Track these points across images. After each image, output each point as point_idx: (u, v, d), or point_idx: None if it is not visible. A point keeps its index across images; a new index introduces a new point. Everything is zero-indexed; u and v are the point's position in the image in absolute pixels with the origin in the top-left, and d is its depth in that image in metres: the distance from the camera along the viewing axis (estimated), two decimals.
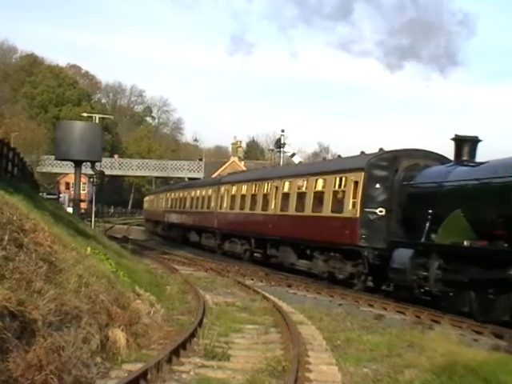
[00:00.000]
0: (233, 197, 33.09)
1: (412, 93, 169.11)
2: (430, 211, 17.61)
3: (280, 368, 9.46)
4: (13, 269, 8.56)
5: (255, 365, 9.77)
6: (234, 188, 33.19)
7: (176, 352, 9.97)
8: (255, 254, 31.40)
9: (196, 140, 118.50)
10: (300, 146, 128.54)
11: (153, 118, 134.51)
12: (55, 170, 70.27)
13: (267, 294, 18.72)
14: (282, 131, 52.43)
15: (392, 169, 20.30)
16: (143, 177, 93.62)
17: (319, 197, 23.53)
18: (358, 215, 20.27)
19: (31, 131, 64.52)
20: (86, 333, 9.12)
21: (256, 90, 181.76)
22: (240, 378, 9.06)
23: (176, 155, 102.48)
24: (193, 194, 42.19)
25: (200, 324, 12.61)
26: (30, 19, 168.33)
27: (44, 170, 65.95)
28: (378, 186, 20.28)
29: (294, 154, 52.95)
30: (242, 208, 31.41)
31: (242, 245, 31.68)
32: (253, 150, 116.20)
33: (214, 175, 66.10)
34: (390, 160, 20.54)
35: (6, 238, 9.16)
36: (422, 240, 17.66)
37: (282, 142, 51.55)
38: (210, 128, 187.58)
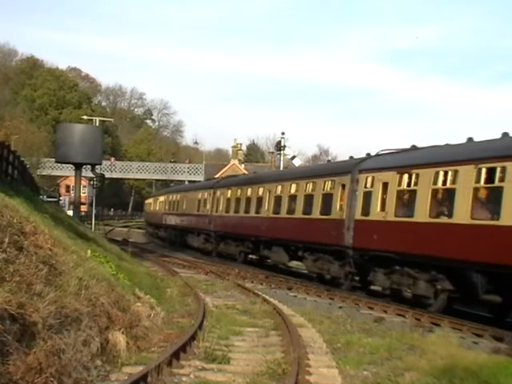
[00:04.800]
0: (400, 194, 18.50)
1: (412, 96, 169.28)
2: None
3: (280, 371, 9.46)
4: (13, 271, 8.56)
5: (255, 368, 9.76)
6: (406, 177, 18.26)
7: (176, 355, 9.97)
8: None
9: (196, 143, 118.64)
10: (300, 149, 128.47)
11: (153, 120, 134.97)
12: (55, 172, 70.24)
13: (267, 297, 18.71)
14: (283, 134, 52.41)
15: None
16: (143, 179, 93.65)
17: None
18: None
19: (31, 134, 64.50)
20: (86, 335, 9.11)
21: (256, 92, 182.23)
22: (240, 380, 9.05)
23: (176, 158, 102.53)
24: (279, 190, 27.10)
25: (200, 327, 12.60)
26: (31, 22, 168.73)
27: (44, 173, 65.94)
28: None
29: (294, 157, 52.91)
30: (445, 213, 16.65)
31: (431, 281, 17.03)
32: (253, 153, 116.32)
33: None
34: None
35: (7, 240, 9.16)
36: None
37: (283, 144, 51.54)
38: (210, 131, 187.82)
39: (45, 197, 49.23)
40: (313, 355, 11.02)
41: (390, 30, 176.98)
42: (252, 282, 23.91)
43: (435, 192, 16.97)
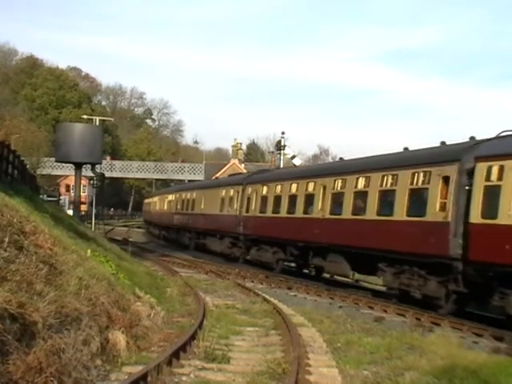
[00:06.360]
0: None
1: (412, 96, 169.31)
2: None
3: (280, 370, 9.46)
4: (13, 271, 8.56)
5: (255, 367, 9.77)
6: None
7: (176, 354, 9.97)
8: None
9: (196, 142, 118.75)
10: (300, 148, 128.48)
11: (153, 120, 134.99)
12: (55, 172, 70.18)
13: (267, 297, 18.73)
14: (283, 133, 52.48)
15: None
16: (143, 179, 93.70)
17: None
18: None
19: (31, 133, 64.47)
20: (86, 335, 9.11)
21: (256, 92, 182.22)
22: (240, 380, 9.06)
23: (176, 157, 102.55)
24: (339, 185, 22.12)
25: (200, 326, 12.61)
26: (31, 22, 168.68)
27: (44, 173, 65.92)
28: None
29: (294, 156, 52.94)
30: None
31: None
32: (253, 152, 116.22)
33: (214, 177, 66.05)
34: None
35: (7, 240, 9.16)
36: None
37: (283, 144, 51.58)
38: (210, 130, 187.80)
39: (45, 196, 49.21)
40: (313, 355, 11.03)
41: (390, 31, 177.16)
42: (252, 282, 23.92)
43: None
